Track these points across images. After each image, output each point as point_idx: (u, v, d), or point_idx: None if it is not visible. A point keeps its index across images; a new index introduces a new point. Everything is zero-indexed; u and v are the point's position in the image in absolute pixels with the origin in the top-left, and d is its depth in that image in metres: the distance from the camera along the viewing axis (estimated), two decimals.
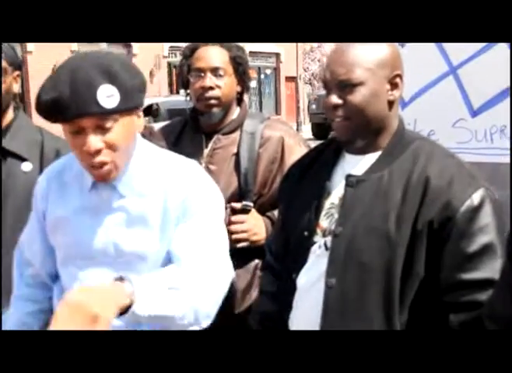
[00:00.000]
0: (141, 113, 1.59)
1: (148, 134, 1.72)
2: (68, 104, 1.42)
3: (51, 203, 1.69)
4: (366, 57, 1.60)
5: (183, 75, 2.36)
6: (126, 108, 1.49)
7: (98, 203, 1.62)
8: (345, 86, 1.60)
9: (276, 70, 29.11)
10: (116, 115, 1.48)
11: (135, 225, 1.60)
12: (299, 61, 29.28)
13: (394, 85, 1.64)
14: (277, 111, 28.70)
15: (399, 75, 1.64)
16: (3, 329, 1.78)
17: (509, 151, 2.27)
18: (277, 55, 28.55)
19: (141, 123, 1.59)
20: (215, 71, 2.27)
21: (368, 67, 1.60)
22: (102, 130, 1.48)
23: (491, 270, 1.50)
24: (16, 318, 1.78)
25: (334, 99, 1.62)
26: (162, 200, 1.59)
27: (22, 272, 1.82)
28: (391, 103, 1.65)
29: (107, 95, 1.44)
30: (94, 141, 1.47)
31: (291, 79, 29.30)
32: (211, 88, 2.26)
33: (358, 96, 1.60)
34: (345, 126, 1.64)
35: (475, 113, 2.37)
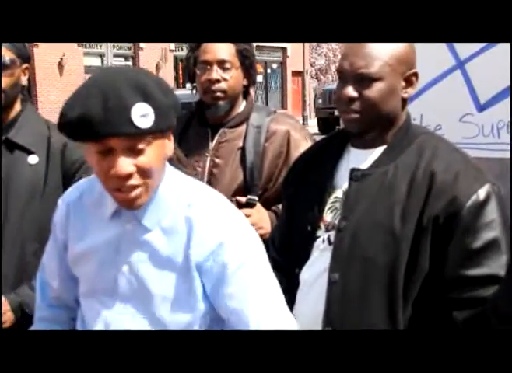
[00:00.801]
0: (172, 136, 1.47)
1: (175, 160, 1.58)
2: (99, 122, 1.30)
3: (72, 235, 1.57)
4: (387, 52, 1.58)
5: (189, 68, 2.35)
6: (160, 128, 1.36)
7: (121, 235, 1.49)
8: (363, 79, 1.57)
9: (283, 64, 29.04)
10: (149, 136, 1.35)
11: (161, 265, 1.46)
12: (306, 55, 29.22)
13: (409, 83, 1.63)
14: (283, 106, 28.64)
15: (416, 74, 1.63)
16: None
17: None
18: (283, 50, 28.48)
19: (172, 146, 1.47)
20: (221, 63, 2.26)
21: (388, 63, 1.57)
22: (133, 152, 1.35)
23: (496, 266, 1.49)
24: None
25: (351, 91, 1.59)
26: (184, 240, 1.45)
27: (45, 293, 1.73)
28: (404, 101, 1.64)
29: (142, 115, 1.32)
30: (125, 163, 1.34)
31: (297, 74, 29.24)
32: (217, 80, 2.25)
33: (375, 91, 1.57)
34: (356, 120, 1.62)
35: (481, 108, 2.36)
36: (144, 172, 1.37)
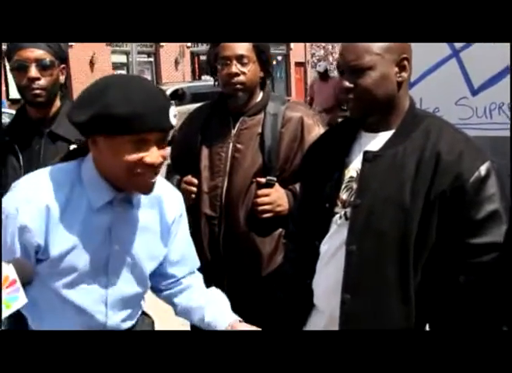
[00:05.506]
0: None
1: None
2: (144, 118, 1.37)
3: (53, 238, 1.46)
4: (375, 44, 1.57)
5: (210, 63, 2.32)
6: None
7: (112, 218, 1.52)
8: (356, 71, 1.58)
9: (286, 56, 28.82)
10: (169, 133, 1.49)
11: (145, 233, 1.58)
12: (307, 47, 28.98)
13: (402, 68, 1.61)
14: (287, 93, 28.50)
15: (407, 58, 1.61)
16: None
17: (506, 126, 2.25)
18: (287, 43, 28.26)
19: None
20: (240, 58, 2.23)
21: (376, 53, 1.56)
22: (161, 145, 1.44)
23: (497, 234, 1.49)
24: None
25: (346, 82, 1.60)
26: (158, 212, 1.62)
27: None
28: (399, 84, 1.62)
29: (174, 115, 1.46)
30: (158, 154, 1.43)
31: (300, 64, 29.07)
32: (236, 74, 2.22)
33: (368, 80, 1.57)
34: (356, 106, 1.62)
35: (475, 92, 2.35)
36: (163, 162, 1.47)
